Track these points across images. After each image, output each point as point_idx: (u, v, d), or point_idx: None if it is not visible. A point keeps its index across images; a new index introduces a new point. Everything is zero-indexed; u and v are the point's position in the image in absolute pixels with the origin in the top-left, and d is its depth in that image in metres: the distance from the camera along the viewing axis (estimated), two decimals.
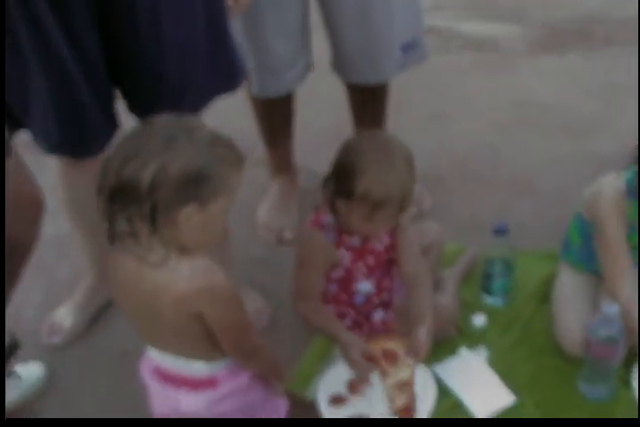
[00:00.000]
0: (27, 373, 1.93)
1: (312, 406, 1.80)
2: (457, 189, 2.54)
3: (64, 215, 2.04)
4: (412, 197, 1.70)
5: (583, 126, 2.69)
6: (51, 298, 2.25)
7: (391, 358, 1.75)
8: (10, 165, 1.57)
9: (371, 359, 1.73)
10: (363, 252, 1.80)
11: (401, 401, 1.72)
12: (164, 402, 1.48)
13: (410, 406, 1.73)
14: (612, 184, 1.78)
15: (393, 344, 1.77)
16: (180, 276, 1.26)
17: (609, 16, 3.43)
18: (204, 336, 1.34)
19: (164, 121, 1.26)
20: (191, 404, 1.43)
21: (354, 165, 1.64)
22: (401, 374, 1.74)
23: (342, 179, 1.66)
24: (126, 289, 1.34)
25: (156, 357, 1.45)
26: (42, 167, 1.94)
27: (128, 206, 1.21)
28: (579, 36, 3.31)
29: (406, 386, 1.73)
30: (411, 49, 2.19)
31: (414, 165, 1.70)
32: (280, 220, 2.37)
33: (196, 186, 1.20)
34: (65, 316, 2.11)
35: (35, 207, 1.76)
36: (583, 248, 1.94)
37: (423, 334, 1.75)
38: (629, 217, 1.78)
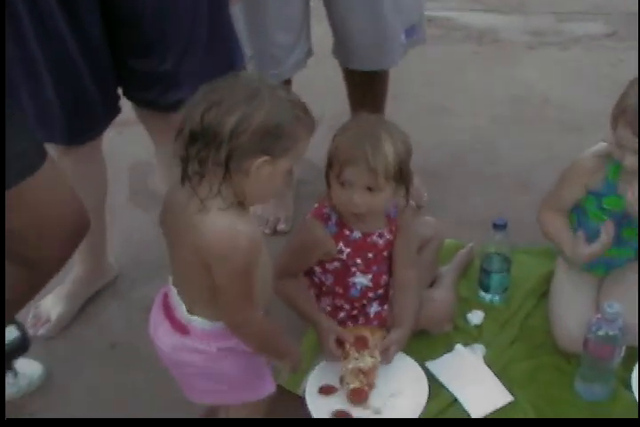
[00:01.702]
0: (26, 370, 1.88)
1: (303, 402, 1.77)
2: (454, 184, 2.50)
3: None
4: (387, 176, 1.65)
5: (583, 122, 2.65)
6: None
7: (361, 345, 1.76)
8: (47, 171, 1.38)
9: (341, 342, 1.75)
10: (362, 246, 1.77)
11: (353, 384, 1.72)
12: (152, 321, 1.54)
13: (362, 393, 1.74)
14: (593, 147, 1.81)
15: (368, 334, 1.78)
16: (210, 225, 1.30)
17: (614, 9, 3.39)
18: (207, 290, 1.37)
19: (249, 75, 1.35)
20: (162, 338, 1.49)
21: (335, 137, 1.67)
22: (361, 363, 1.74)
23: (328, 156, 1.69)
24: (171, 223, 1.40)
25: (171, 289, 1.50)
26: None
27: (205, 150, 1.25)
28: (583, 30, 3.27)
29: (362, 374, 1.74)
30: (414, 33, 2.18)
31: (406, 143, 1.68)
32: (275, 212, 2.33)
33: (272, 139, 1.26)
34: (52, 305, 2.06)
35: (81, 230, 1.51)
36: None
37: (397, 336, 1.78)
38: (610, 178, 1.78)
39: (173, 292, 1.48)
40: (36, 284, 1.54)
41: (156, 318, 1.52)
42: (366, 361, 1.74)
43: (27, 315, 2.07)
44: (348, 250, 1.77)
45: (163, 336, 1.49)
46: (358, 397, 1.74)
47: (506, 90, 2.92)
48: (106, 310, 2.13)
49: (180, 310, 1.46)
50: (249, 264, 1.33)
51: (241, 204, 1.32)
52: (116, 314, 2.11)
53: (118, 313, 2.10)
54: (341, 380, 1.76)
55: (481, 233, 2.04)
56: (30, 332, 2.01)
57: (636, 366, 1.77)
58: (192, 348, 1.46)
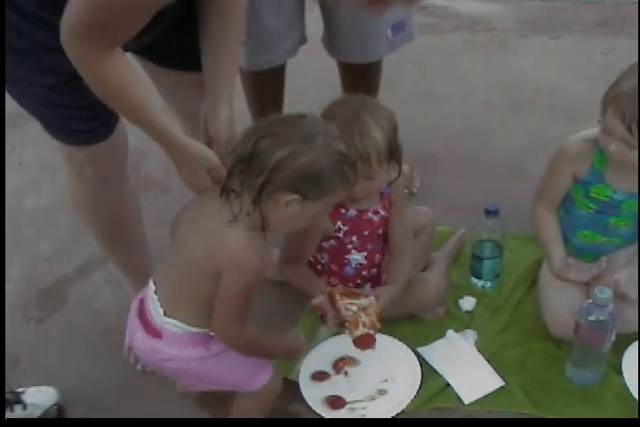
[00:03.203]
0: (38, 400, 1.81)
1: (296, 387, 1.78)
2: (447, 170, 2.51)
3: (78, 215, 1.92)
4: (380, 160, 1.66)
5: (575, 110, 2.65)
6: (31, 272, 2.22)
7: (350, 294, 1.73)
8: None
9: (330, 297, 1.72)
10: (359, 223, 1.78)
11: (357, 332, 1.68)
12: (128, 327, 1.59)
13: (369, 339, 1.70)
14: (583, 132, 1.83)
15: (357, 290, 1.77)
16: (233, 239, 1.37)
17: None
18: (204, 298, 1.42)
19: (315, 119, 1.42)
20: (138, 343, 1.54)
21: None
22: (359, 302, 1.71)
23: None
24: (190, 230, 1.45)
25: (148, 292, 1.53)
26: None
27: (248, 172, 1.34)
28: (575, 18, 3.27)
29: (362, 318, 1.69)
30: (400, 29, 2.18)
31: (391, 119, 1.68)
32: None
33: (308, 183, 1.34)
34: None
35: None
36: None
37: (386, 291, 1.77)
38: (597, 166, 1.79)
39: (152, 298, 1.50)
40: None
41: (132, 323, 1.55)
42: (361, 301, 1.72)
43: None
44: (346, 228, 1.78)
45: (139, 341, 1.53)
46: (366, 343, 1.70)
47: (498, 77, 2.92)
48: (99, 297, 2.13)
49: (156, 313, 1.48)
50: (255, 283, 1.41)
51: (263, 228, 1.38)
52: (109, 301, 2.11)
53: (112, 300, 2.11)
54: (346, 327, 1.70)
55: (473, 218, 2.04)
56: None
57: (628, 352, 1.79)
58: (166, 354, 1.50)
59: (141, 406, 1.82)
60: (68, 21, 1.32)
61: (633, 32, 3.11)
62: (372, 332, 1.69)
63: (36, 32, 1.45)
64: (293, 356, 1.67)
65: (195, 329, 1.48)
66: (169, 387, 1.79)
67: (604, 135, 1.70)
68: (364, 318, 1.68)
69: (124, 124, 1.71)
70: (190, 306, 1.46)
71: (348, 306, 1.69)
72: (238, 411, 1.70)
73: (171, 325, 1.47)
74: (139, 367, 1.89)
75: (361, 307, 1.70)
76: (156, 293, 1.50)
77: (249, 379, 1.60)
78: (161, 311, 1.47)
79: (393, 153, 1.68)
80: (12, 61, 1.50)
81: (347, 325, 1.68)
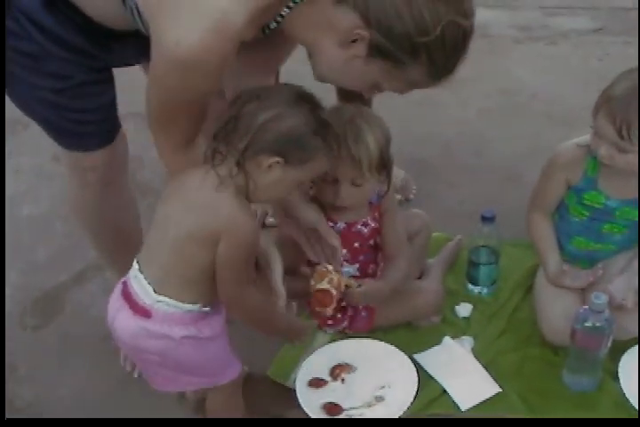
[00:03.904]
0: None
1: (293, 393, 1.79)
2: (443, 175, 2.51)
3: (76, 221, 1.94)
4: (371, 167, 1.65)
5: (571, 116, 2.66)
6: (27, 279, 2.22)
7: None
8: None
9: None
10: (348, 236, 1.77)
11: (319, 285, 1.63)
12: (109, 311, 1.55)
13: (327, 295, 1.63)
14: (572, 141, 1.84)
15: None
16: (226, 203, 1.37)
17: (600, 4, 3.40)
18: (198, 268, 1.42)
19: (300, 88, 1.40)
20: (122, 324, 1.50)
21: None
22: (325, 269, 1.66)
23: None
24: (175, 202, 1.44)
25: (132, 273, 1.51)
26: None
27: (232, 135, 1.35)
28: (570, 24, 3.28)
29: (330, 278, 1.64)
30: None
31: (384, 129, 1.69)
32: (263, 205, 2.33)
33: (290, 146, 1.34)
34: None
35: None
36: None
37: (371, 283, 1.76)
38: (590, 173, 1.80)
39: (137, 278, 1.48)
40: None
41: (115, 304, 1.53)
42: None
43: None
44: None
45: (122, 321, 1.50)
46: (322, 300, 1.64)
47: (494, 83, 2.93)
48: (96, 305, 2.11)
49: (144, 293, 1.46)
50: (254, 244, 1.42)
51: (247, 194, 1.39)
52: (106, 308, 2.09)
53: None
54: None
55: (470, 224, 2.04)
56: None
57: (624, 358, 1.79)
58: (153, 332, 1.47)
59: (139, 414, 1.81)
60: (146, 111, 1.43)
61: (629, 38, 3.14)
62: (333, 291, 1.63)
63: (49, 42, 1.48)
64: (294, 336, 1.64)
65: (188, 306, 1.46)
66: (166, 396, 1.77)
67: (595, 139, 1.70)
68: (334, 275, 1.64)
69: (124, 130, 1.73)
70: (184, 280, 1.44)
71: (327, 266, 1.67)
72: (212, 410, 1.71)
73: (163, 303, 1.44)
74: (135, 375, 1.89)
75: (337, 271, 1.66)
76: (141, 272, 1.48)
77: (223, 369, 1.60)
78: (150, 290, 1.45)
79: (384, 164, 1.68)
80: (20, 65, 1.51)
81: (314, 276, 1.64)
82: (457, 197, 2.41)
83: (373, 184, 1.71)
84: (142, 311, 1.47)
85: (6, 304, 2.12)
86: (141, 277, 1.48)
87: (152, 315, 1.46)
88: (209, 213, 1.38)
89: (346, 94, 2.31)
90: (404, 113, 2.68)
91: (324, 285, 1.64)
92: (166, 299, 1.45)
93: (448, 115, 2.78)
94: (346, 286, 1.67)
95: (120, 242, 1.87)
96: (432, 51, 1.37)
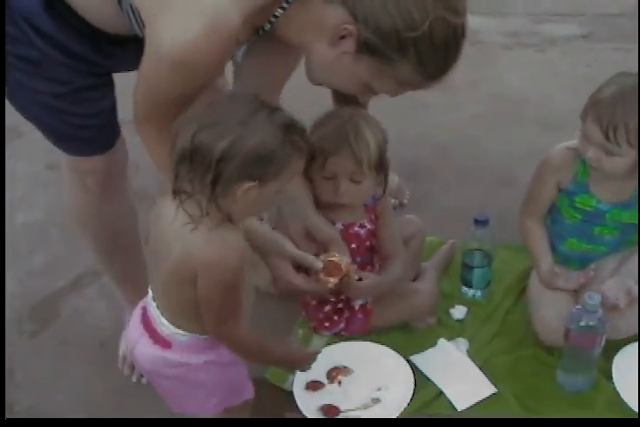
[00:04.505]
0: None
1: (290, 395, 1.81)
2: (436, 179, 2.54)
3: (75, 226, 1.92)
4: (370, 164, 1.69)
5: (561, 120, 2.68)
6: (24, 286, 2.22)
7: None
8: None
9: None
10: (345, 237, 1.79)
11: (330, 258, 1.64)
12: (130, 337, 1.55)
13: (338, 265, 1.63)
14: (562, 144, 1.87)
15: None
16: (198, 242, 1.30)
17: (587, 11, 3.45)
18: (189, 304, 1.38)
19: (247, 96, 1.31)
20: (142, 352, 1.49)
21: (315, 130, 1.69)
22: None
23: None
24: (158, 235, 1.39)
25: (148, 300, 1.50)
26: None
27: (194, 170, 1.24)
28: (558, 31, 3.33)
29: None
30: None
31: (383, 132, 1.72)
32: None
33: (261, 165, 1.24)
34: None
35: None
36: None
37: (371, 277, 1.78)
38: (580, 176, 1.83)
39: (152, 306, 1.47)
40: None
41: (135, 332, 1.51)
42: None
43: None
44: None
45: (143, 349, 1.49)
46: (331, 269, 1.63)
47: (485, 89, 2.96)
48: (92, 310, 2.14)
49: (161, 323, 1.45)
50: (236, 278, 1.33)
51: (230, 219, 1.31)
52: (103, 314, 2.12)
53: (106, 313, 2.11)
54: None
55: (463, 227, 2.06)
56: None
57: (616, 357, 1.82)
58: (173, 362, 1.46)
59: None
60: (133, 109, 1.43)
61: (616, 44, 3.18)
62: (344, 262, 1.63)
63: (50, 48, 1.49)
64: (297, 365, 1.61)
65: (202, 336, 1.45)
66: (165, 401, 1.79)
67: (583, 142, 1.73)
68: (344, 258, 1.65)
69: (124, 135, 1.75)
70: (178, 312, 1.43)
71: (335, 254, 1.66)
72: None
73: (180, 334, 1.44)
74: (134, 379, 1.91)
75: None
76: (154, 300, 1.49)
77: (240, 390, 1.59)
78: (164, 320, 1.45)
79: (382, 164, 1.72)
80: (20, 70, 1.53)
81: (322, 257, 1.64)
82: (451, 200, 2.43)
83: (371, 183, 1.74)
84: (162, 342, 1.46)
85: (6, 312, 2.13)
86: (154, 305, 1.47)
87: (172, 345, 1.45)
88: (183, 251, 1.32)
89: (342, 100, 2.35)
90: (397, 118, 2.70)
91: (336, 257, 1.63)
92: (180, 331, 1.44)
93: (441, 119, 2.81)
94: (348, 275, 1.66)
95: (117, 246, 1.88)
96: (420, 47, 1.36)
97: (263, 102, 1.29)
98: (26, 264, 2.30)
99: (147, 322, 1.49)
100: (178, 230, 1.31)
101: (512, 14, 3.43)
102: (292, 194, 1.65)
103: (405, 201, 2.41)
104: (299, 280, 1.63)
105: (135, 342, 1.51)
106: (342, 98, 2.33)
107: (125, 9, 1.44)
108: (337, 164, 1.67)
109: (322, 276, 1.63)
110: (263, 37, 1.47)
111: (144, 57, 1.37)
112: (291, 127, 1.28)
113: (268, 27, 1.42)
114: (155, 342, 1.47)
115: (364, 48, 1.38)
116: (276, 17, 1.40)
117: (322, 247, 1.69)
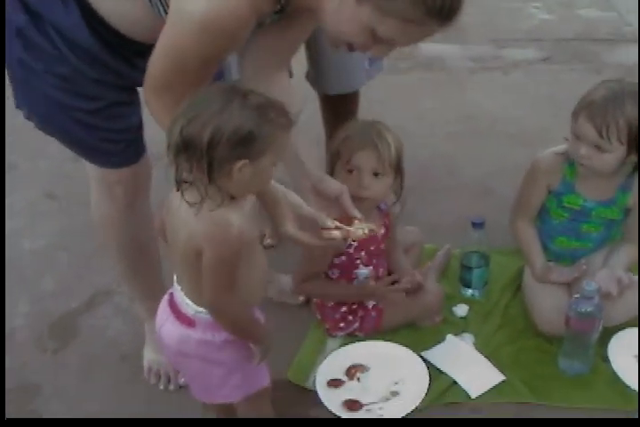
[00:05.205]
0: None
1: (313, 394, 1.92)
2: (421, 195, 2.67)
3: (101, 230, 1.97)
4: (391, 163, 1.87)
5: (530, 136, 2.89)
6: (39, 307, 2.29)
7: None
8: None
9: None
10: (366, 239, 1.90)
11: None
12: (157, 320, 1.63)
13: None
14: (550, 150, 2.04)
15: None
16: (202, 224, 1.41)
17: (545, 36, 3.71)
18: (199, 277, 1.47)
19: (222, 86, 1.43)
20: (169, 331, 1.59)
21: (341, 132, 1.92)
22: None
23: (336, 147, 1.92)
24: (171, 226, 1.51)
25: (174, 284, 1.60)
26: None
27: (190, 160, 1.37)
28: (519, 55, 3.57)
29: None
30: (375, 60, 2.41)
31: (400, 141, 1.92)
32: (260, 227, 2.45)
33: (246, 145, 1.35)
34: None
35: None
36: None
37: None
38: (568, 178, 2.00)
39: (177, 289, 1.58)
40: None
41: (162, 314, 1.62)
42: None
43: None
44: (356, 244, 1.94)
45: (169, 329, 1.59)
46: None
47: (457, 111, 3.16)
48: (110, 327, 2.21)
49: (185, 304, 1.56)
50: (235, 254, 1.43)
51: (232, 198, 1.42)
52: (121, 329, 2.19)
53: (124, 328, 2.19)
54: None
55: (451, 237, 2.25)
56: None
57: (613, 341, 1.99)
58: (197, 339, 1.56)
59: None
60: (146, 80, 1.49)
61: (573, 65, 3.43)
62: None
63: (83, 64, 1.58)
64: (262, 341, 1.63)
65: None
66: (191, 408, 1.85)
67: (574, 142, 1.91)
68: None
69: None
70: (199, 292, 1.51)
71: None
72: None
73: (203, 313, 1.54)
74: (161, 387, 1.98)
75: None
76: (178, 284, 1.58)
77: (256, 373, 1.66)
78: (189, 301, 1.54)
79: (399, 168, 1.88)
80: (57, 88, 1.61)
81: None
82: (437, 213, 2.58)
83: (390, 181, 1.91)
84: (187, 321, 1.57)
85: (22, 331, 2.19)
86: (178, 288, 1.58)
87: (195, 324, 1.56)
88: (189, 232, 1.43)
89: (332, 116, 2.50)
90: None
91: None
92: (203, 310, 1.54)
93: (417, 141, 2.95)
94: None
95: (140, 255, 1.96)
96: None
97: (237, 89, 1.39)
98: (37, 287, 2.36)
99: (173, 305, 1.59)
100: (183, 216, 1.44)
101: (474, 41, 3.67)
102: (297, 156, 1.70)
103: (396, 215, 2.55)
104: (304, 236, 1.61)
105: (161, 324, 1.61)
106: (332, 116, 2.50)
107: (154, 3, 1.51)
108: (362, 158, 1.85)
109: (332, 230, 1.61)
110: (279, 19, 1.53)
111: (165, 27, 1.43)
112: (265, 107, 1.37)
113: None
114: (180, 322, 1.57)
115: None
116: None
117: (335, 205, 1.71)
